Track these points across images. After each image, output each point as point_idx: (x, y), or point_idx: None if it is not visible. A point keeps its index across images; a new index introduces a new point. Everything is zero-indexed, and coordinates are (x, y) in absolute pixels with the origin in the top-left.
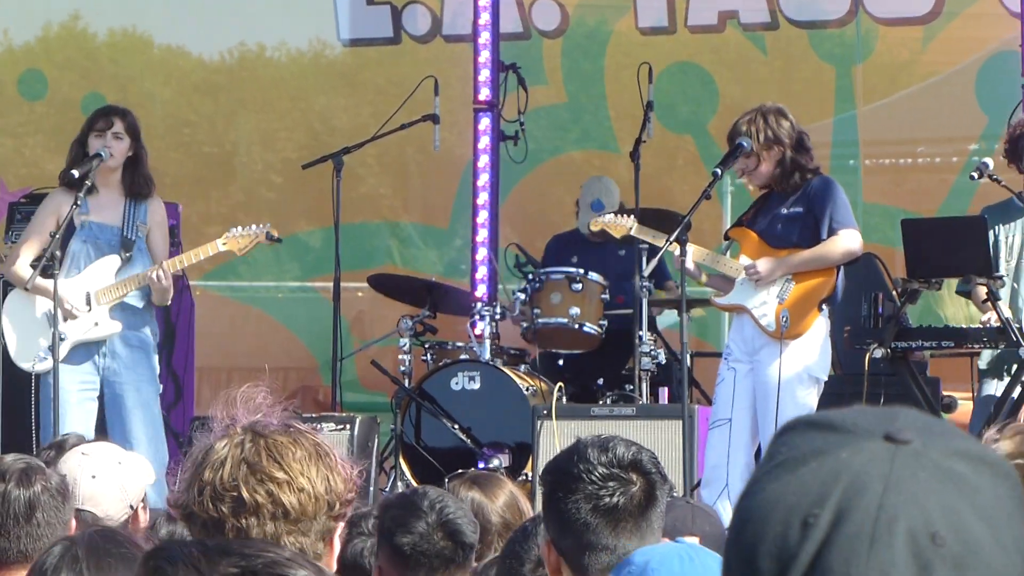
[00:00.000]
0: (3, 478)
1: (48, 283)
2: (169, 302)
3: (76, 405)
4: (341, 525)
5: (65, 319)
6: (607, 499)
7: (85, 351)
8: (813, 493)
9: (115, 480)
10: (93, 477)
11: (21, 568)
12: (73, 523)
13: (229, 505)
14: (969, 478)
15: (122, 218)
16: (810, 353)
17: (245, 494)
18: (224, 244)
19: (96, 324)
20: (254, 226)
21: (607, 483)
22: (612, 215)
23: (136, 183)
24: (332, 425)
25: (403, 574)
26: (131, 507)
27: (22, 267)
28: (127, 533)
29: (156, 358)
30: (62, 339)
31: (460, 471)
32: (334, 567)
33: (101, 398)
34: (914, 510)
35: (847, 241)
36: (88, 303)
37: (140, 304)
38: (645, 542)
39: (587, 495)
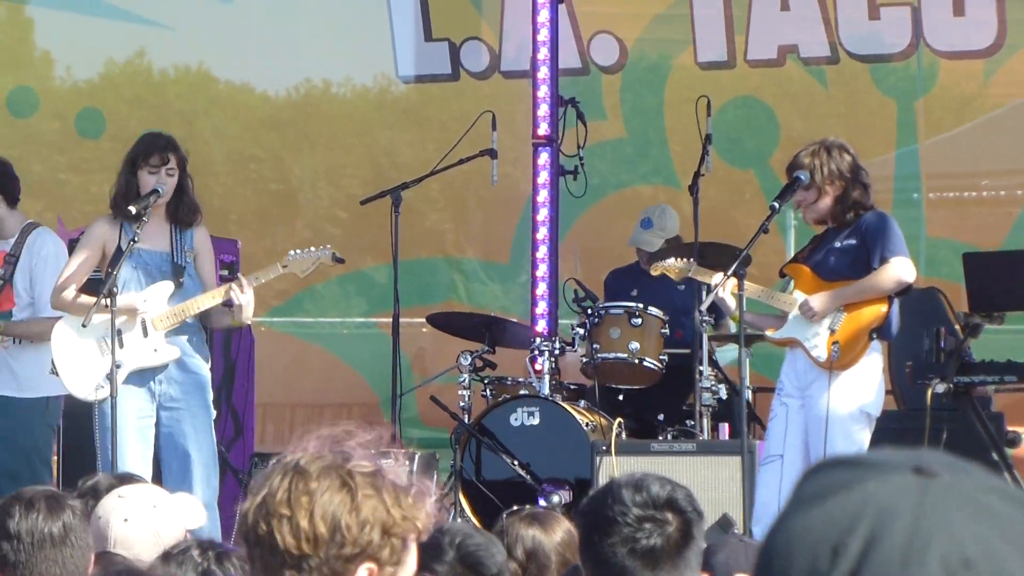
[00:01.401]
0: (32, 507)
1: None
2: (248, 322)
3: (135, 433)
4: (364, 567)
5: (123, 344)
6: (644, 541)
7: (140, 378)
8: (842, 522)
9: (148, 524)
10: (125, 520)
11: None
12: (92, 556)
13: (245, 535)
14: (1000, 510)
15: (170, 244)
16: (863, 389)
17: (254, 525)
18: (284, 267)
19: (155, 351)
20: (314, 248)
21: (643, 525)
22: (672, 259)
23: (182, 211)
24: (391, 461)
25: None
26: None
27: (75, 297)
28: (155, 573)
29: (209, 383)
30: (119, 366)
31: (516, 508)
32: None
33: (157, 424)
34: (946, 536)
35: (898, 269)
36: (144, 330)
37: (197, 328)
38: None
39: (623, 538)
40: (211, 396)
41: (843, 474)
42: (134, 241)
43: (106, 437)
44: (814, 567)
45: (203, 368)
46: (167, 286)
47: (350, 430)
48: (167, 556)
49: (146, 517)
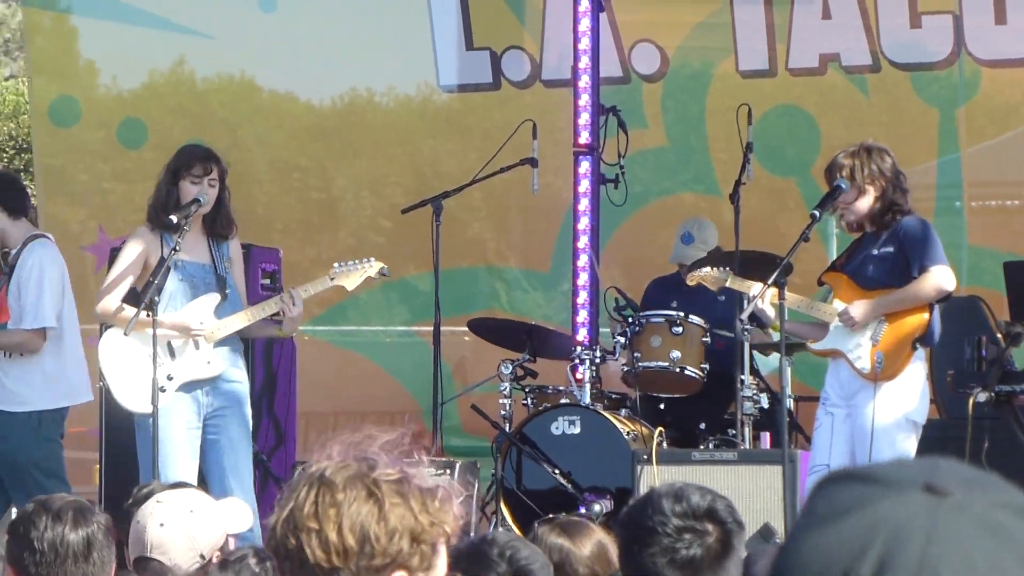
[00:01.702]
0: (59, 519)
1: (162, 317)
2: (294, 332)
3: (184, 444)
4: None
5: (175, 356)
6: (684, 551)
7: (188, 389)
8: (854, 546)
9: (184, 528)
10: (161, 525)
11: None
12: (112, 571)
13: (274, 549)
14: (1012, 530)
15: (210, 256)
16: (907, 397)
17: (282, 539)
18: (332, 279)
19: (208, 363)
20: (362, 261)
21: (683, 535)
22: (709, 268)
23: (219, 223)
24: (432, 470)
25: None
26: (202, 556)
27: (117, 307)
28: None
29: (248, 394)
30: (171, 378)
31: (550, 516)
32: None
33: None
34: (957, 562)
35: (938, 278)
36: (196, 343)
37: (239, 341)
38: None
39: (663, 548)
40: (249, 407)
41: (855, 491)
42: (175, 250)
43: (154, 448)
44: None
45: (242, 379)
46: (213, 298)
47: (371, 434)
48: (224, 563)
49: (182, 522)
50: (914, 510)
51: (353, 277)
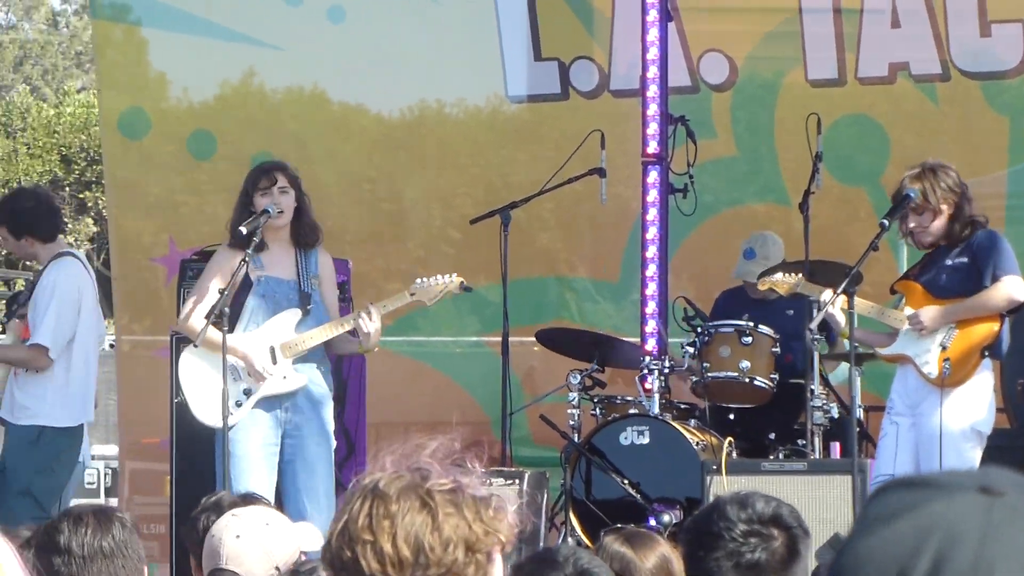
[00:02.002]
0: (81, 522)
1: (233, 339)
2: (375, 348)
3: (260, 460)
4: None
5: (251, 375)
6: (748, 555)
7: (268, 405)
8: (908, 545)
9: (259, 541)
10: (237, 537)
11: None
12: (145, 569)
13: (330, 562)
14: None
15: (296, 272)
16: (974, 406)
17: (337, 551)
18: (412, 295)
19: (284, 378)
20: (443, 276)
21: (748, 539)
22: (780, 274)
23: (302, 232)
24: (501, 480)
25: None
26: (277, 569)
27: (197, 322)
28: None
29: (332, 413)
30: (248, 393)
31: (617, 526)
32: None
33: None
34: (1012, 560)
35: (1010, 288)
36: (273, 357)
37: (322, 357)
38: None
39: (728, 552)
40: (332, 426)
41: (910, 495)
42: (244, 262)
43: (228, 463)
44: None
45: (327, 398)
46: (294, 314)
47: (421, 443)
48: (295, 573)
49: (258, 535)
50: (968, 510)
51: (433, 292)
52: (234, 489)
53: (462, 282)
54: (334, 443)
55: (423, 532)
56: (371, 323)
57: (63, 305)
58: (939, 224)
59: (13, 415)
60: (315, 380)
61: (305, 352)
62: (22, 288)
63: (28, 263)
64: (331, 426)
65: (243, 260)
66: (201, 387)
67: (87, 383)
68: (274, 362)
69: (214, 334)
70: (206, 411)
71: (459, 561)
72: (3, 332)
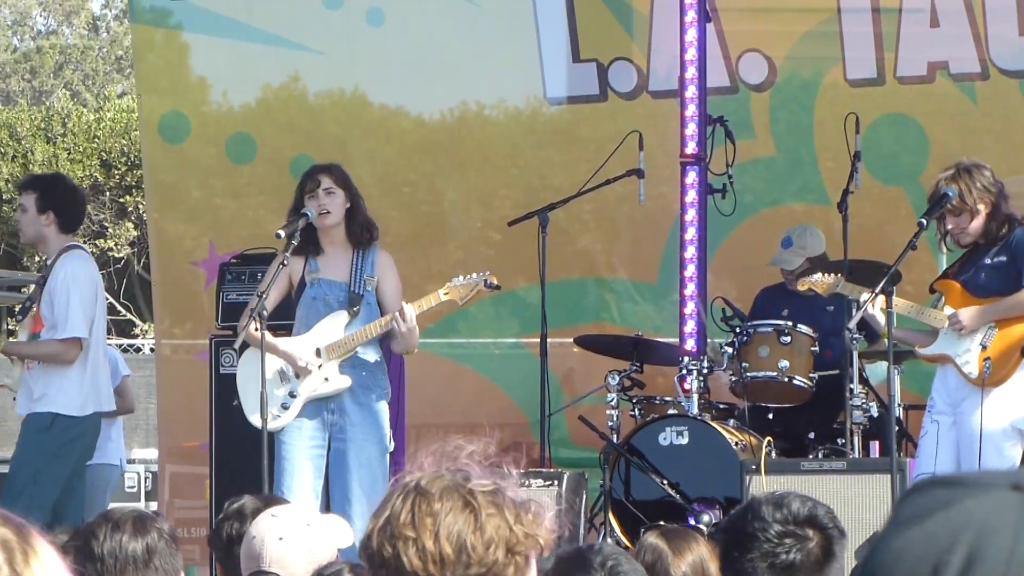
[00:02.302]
0: (119, 527)
1: (278, 340)
2: (414, 349)
3: (306, 461)
4: None
5: (299, 375)
6: (784, 556)
7: (315, 408)
8: (942, 541)
9: (303, 542)
10: (280, 539)
11: None
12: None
13: (370, 558)
14: None
15: (350, 273)
16: (1015, 404)
17: (377, 548)
18: (446, 294)
19: (326, 379)
20: (475, 275)
21: (783, 540)
22: (819, 274)
23: (355, 232)
24: (540, 481)
25: None
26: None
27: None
28: None
29: (387, 415)
30: (294, 396)
31: (660, 523)
32: None
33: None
34: None
35: None
36: (319, 357)
37: (373, 359)
38: None
39: (763, 553)
40: (386, 431)
41: (943, 493)
42: (283, 264)
43: (275, 466)
44: None
45: (376, 401)
46: (342, 316)
47: (459, 444)
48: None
49: (301, 535)
50: (1002, 506)
51: (464, 291)
52: (278, 490)
53: (486, 279)
54: (390, 446)
55: (465, 531)
56: (404, 324)
57: (85, 295)
58: (977, 224)
59: (30, 406)
60: (364, 384)
61: (349, 353)
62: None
63: (24, 263)
64: (384, 431)
65: (281, 264)
66: (253, 389)
67: (104, 373)
68: (320, 363)
69: (269, 336)
70: (254, 412)
71: (499, 562)
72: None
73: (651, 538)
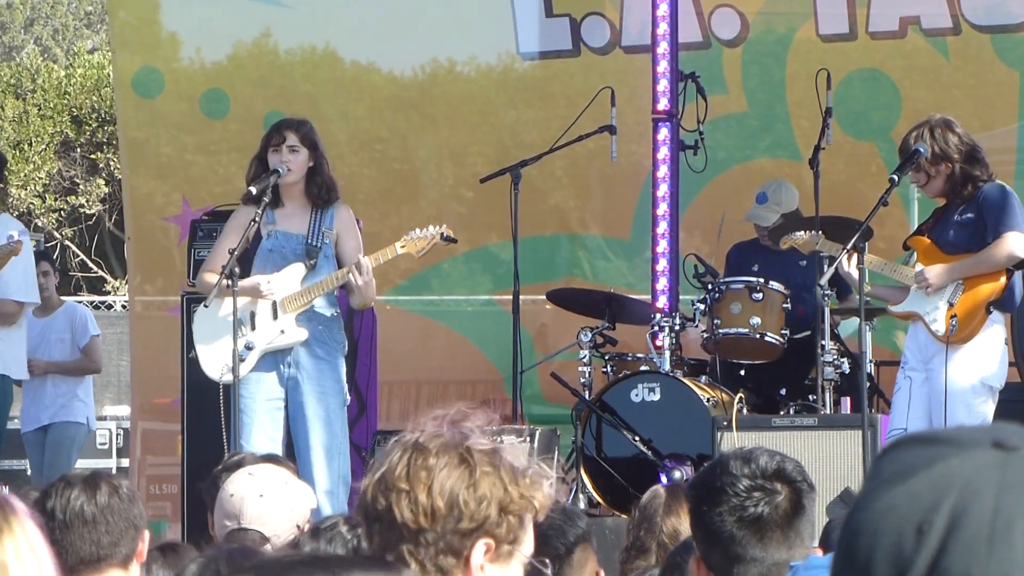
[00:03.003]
0: (70, 485)
1: (240, 285)
2: (371, 303)
3: (263, 415)
4: (482, 543)
5: (255, 327)
6: (752, 509)
7: (272, 360)
8: (925, 501)
9: (283, 499)
10: (261, 496)
11: (96, 571)
12: (147, 533)
13: (364, 511)
14: None
15: (308, 226)
16: (984, 361)
17: (371, 499)
18: (402, 247)
19: (282, 332)
20: (431, 228)
21: (752, 494)
22: (800, 232)
23: (314, 190)
24: (512, 438)
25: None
26: (298, 527)
27: (210, 279)
28: (263, 551)
29: (343, 369)
30: (250, 348)
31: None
32: None
33: (285, 407)
34: None
35: (1011, 244)
36: (275, 312)
37: (328, 313)
38: (793, 552)
39: (731, 507)
40: (343, 383)
41: (924, 451)
42: (255, 221)
43: (233, 418)
44: (899, 547)
45: (332, 354)
46: (299, 268)
47: (465, 412)
48: (316, 531)
49: (281, 493)
50: (984, 464)
51: (419, 243)
52: (239, 444)
53: (442, 232)
54: (346, 399)
55: (459, 486)
56: (360, 276)
57: (25, 259)
58: (935, 186)
59: None
60: (319, 337)
61: (306, 306)
62: None
63: None
64: (341, 382)
65: (253, 220)
66: (209, 343)
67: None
68: (274, 317)
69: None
70: (212, 366)
71: (491, 519)
72: None
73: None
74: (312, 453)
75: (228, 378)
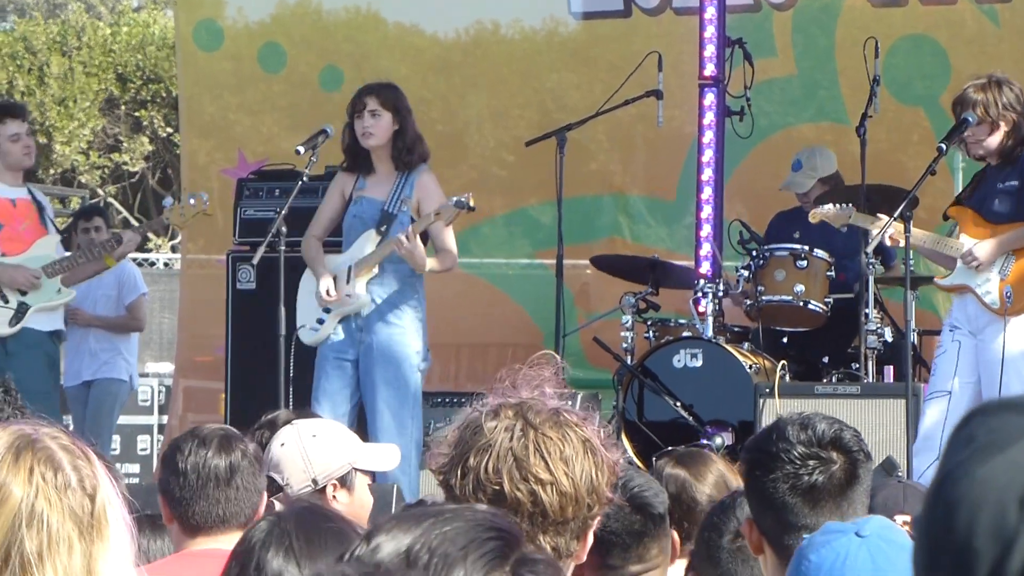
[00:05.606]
0: (204, 444)
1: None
2: (422, 270)
3: (332, 374)
4: (598, 519)
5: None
6: (806, 478)
7: (346, 325)
8: None
9: (300, 451)
10: (282, 444)
11: (219, 532)
12: (265, 494)
13: (489, 496)
14: None
15: (389, 192)
16: None
17: (507, 489)
18: (436, 214)
19: (348, 296)
20: (455, 198)
21: (807, 462)
22: (831, 206)
23: (396, 153)
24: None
25: (600, 558)
26: (314, 481)
27: (307, 242)
28: (335, 510)
29: (420, 333)
30: (328, 311)
31: (669, 448)
32: (583, 559)
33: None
34: None
35: None
36: (348, 277)
37: (401, 277)
38: (846, 521)
39: (786, 474)
40: (416, 347)
41: (1017, 420)
42: (303, 182)
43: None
44: (1002, 518)
45: (404, 320)
46: (370, 235)
47: (535, 375)
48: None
49: (300, 445)
50: None
51: (448, 213)
52: (312, 403)
53: (458, 200)
54: (420, 364)
55: (592, 471)
56: (406, 244)
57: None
58: (995, 139)
59: None
60: (390, 300)
61: (373, 273)
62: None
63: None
64: (411, 346)
65: (300, 181)
66: (304, 303)
67: None
68: (347, 282)
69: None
70: (299, 328)
71: (605, 502)
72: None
73: (669, 468)
74: (379, 417)
75: (308, 339)
